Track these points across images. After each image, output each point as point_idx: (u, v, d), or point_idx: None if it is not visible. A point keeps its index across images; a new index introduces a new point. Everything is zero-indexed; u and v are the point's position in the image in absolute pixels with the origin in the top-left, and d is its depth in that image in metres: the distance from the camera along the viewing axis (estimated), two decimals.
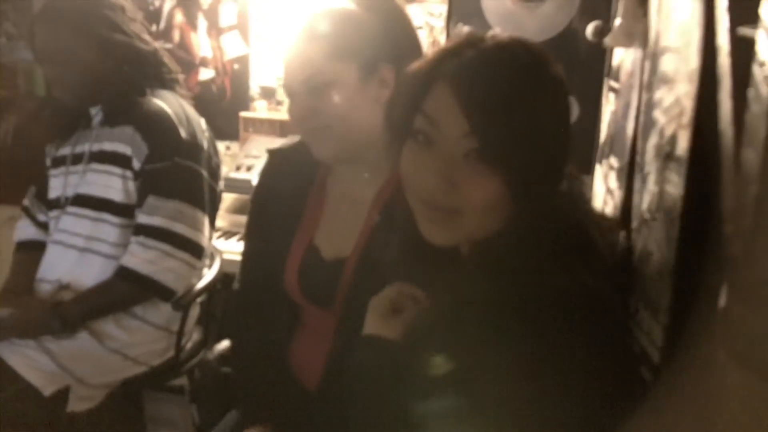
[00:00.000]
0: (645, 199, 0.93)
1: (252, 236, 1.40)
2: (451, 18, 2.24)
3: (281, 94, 2.49)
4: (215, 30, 2.56)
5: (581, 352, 0.78)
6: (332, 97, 1.20)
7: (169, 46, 2.52)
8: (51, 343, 1.61)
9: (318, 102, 1.20)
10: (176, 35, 2.60)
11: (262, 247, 1.37)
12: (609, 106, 1.35)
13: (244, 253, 1.41)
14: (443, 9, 2.29)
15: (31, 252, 1.84)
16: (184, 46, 2.59)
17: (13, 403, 1.55)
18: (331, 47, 1.19)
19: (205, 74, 2.59)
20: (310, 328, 1.34)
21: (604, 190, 1.27)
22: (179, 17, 2.59)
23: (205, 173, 1.74)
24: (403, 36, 1.26)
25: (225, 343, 1.56)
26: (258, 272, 1.37)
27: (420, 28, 2.24)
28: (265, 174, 1.41)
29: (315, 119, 1.21)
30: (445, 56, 0.88)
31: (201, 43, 2.58)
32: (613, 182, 1.17)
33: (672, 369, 0.80)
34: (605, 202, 1.25)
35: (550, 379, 0.78)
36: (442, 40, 2.27)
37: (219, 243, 2.16)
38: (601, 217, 1.07)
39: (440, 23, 2.31)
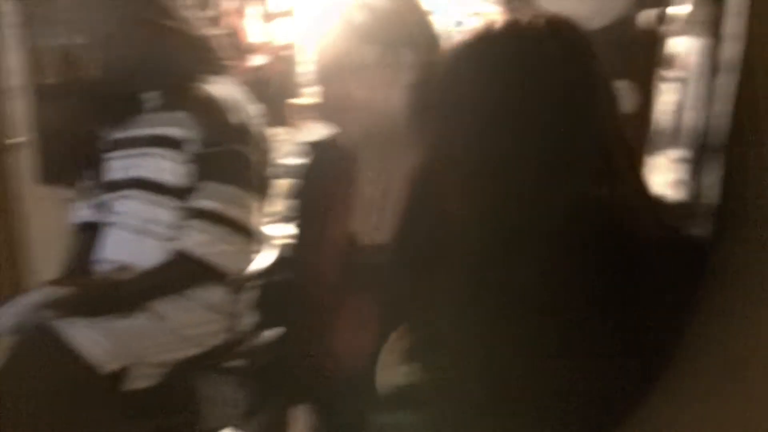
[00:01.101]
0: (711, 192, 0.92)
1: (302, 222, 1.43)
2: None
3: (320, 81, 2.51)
4: (266, 16, 2.59)
5: None
6: (359, 81, 1.24)
7: (219, 32, 2.56)
8: (109, 322, 1.66)
9: (345, 86, 1.24)
10: (226, 21, 2.63)
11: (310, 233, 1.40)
12: (665, 95, 1.34)
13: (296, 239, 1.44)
14: None
15: (88, 233, 1.90)
16: (233, 32, 2.63)
17: (71, 380, 1.60)
18: (359, 32, 1.23)
19: (255, 60, 2.62)
20: (350, 315, 1.36)
21: (663, 182, 1.26)
22: (229, 3, 2.63)
23: (255, 158, 1.78)
24: (419, 21, 1.30)
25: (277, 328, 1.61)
26: (306, 258, 1.40)
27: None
28: (304, 166, 1.44)
29: (344, 102, 1.24)
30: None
31: (251, 29, 2.61)
32: (676, 174, 1.16)
33: None
34: (664, 195, 1.25)
35: None
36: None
37: (273, 228, 2.19)
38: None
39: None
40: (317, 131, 2.30)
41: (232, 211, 1.71)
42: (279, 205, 2.31)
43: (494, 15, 0.93)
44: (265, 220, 1.83)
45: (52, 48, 3.29)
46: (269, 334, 1.70)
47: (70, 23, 3.26)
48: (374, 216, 1.34)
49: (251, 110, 1.81)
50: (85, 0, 1.95)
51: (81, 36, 3.25)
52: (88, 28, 1.81)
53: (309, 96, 2.52)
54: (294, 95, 2.54)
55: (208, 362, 1.84)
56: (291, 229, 1.46)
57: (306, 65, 2.53)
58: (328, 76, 1.27)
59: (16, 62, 3.23)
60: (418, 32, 1.29)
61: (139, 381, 1.68)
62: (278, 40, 2.59)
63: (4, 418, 1.65)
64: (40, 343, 1.63)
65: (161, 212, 1.75)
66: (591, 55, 0.87)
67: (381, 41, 1.23)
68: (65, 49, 3.29)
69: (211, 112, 1.74)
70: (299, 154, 2.21)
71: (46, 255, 3.34)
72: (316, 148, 1.45)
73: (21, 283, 3.45)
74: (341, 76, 1.25)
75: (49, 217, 3.29)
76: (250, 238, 1.75)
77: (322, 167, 1.40)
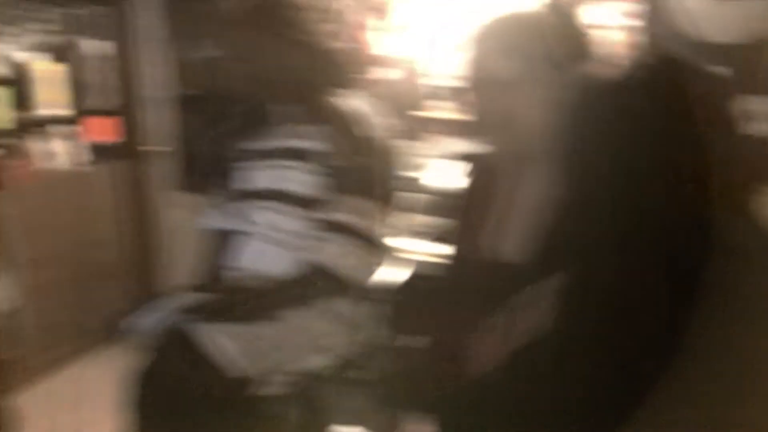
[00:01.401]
0: None
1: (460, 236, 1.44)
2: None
3: (456, 94, 2.50)
4: (389, 29, 2.62)
5: None
6: (509, 96, 1.22)
7: (344, 45, 2.61)
8: (242, 328, 1.72)
9: (495, 101, 1.23)
10: (350, 34, 2.67)
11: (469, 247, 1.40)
12: None
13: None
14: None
15: (222, 241, 1.97)
16: (358, 45, 2.67)
17: (204, 383, 1.68)
18: (512, 47, 1.22)
19: (380, 73, 2.66)
20: (485, 329, 1.36)
21: None
22: (353, 16, 2.67)
23: (383, 171, 1.80)
24: (575, 38, 1.27)
25: (404, 339, 1.64)
26: (462, 273, 1.41)
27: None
28: (461, 179, 1.44)
29: (493, 117, 1.24)
30: None
31: (375, 42, 2.65)
32: None
33: None
34: None
35: None
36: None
37: (397, 240, 2.20)
38: None
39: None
40: (444, 145, 2.31)
41: (362, 224, 1.74)
42: (406, 218, 2.34)
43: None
44: (390, 232, 1.86)
45: (194, 61, 3.48)
46: (393, 345, 1.74)
47: (209, 38, 3.43)
48: (510, 231, 1.33)
49: (379, 123, 1.84)
50: (225, 15, 2.04)
51: (220, 50, 3.43)
52: (227, 43, 1.88)
53: (433, 109, 2.55)
54: (418, 108, 2.58)
55: (333, 372, 1.87)
56: (422, 243, 1.48)
57: (431, 78, 2.57)
58: (473, 89, 1.27)
59: (161, 74, 3.44)
60: (575, 50, 1.27)
61: (269, 388, 1.75)
62: (402, 53, 2.61)
63: (140, 417, 1.76)
64: (176, 345, 1.72)
65: (294, 223, 1.80)
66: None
67: (534, 57, 1.22)
68: (206, 62, 3.47)
69: (341, 125, 1.78)
70: (433, 168, 2.25)
71: (181, 260, 3.53)
72: (462, 161, 1.46)
73: (156, 286, 3.67)
74: (488, 90, 1.25)
75: (185, 223, 3.47)
76: (377, 250, 1.78)
77: (465, 181, 1.41)
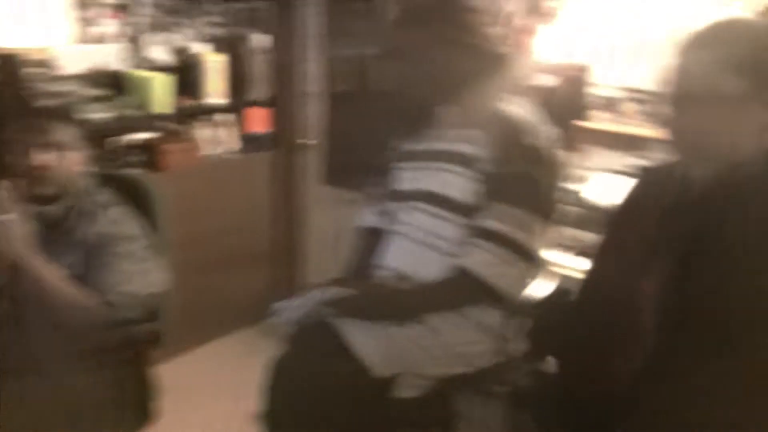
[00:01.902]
0: None
1: (606, 253, 1.36)
2: None
3: (624, 105, 2.38)
4: (557, 34, 2.53)
5: None
6: (720, 114, 1.11)
7: (511, 50, 2.54)
8: (388, 328, 1.71)
9: (703, 118, 1.12)
10: (518, 39, 2.61)
11: (613, 265, 1.32)
12: None
13: (593, 270, 1.37)
14: None
15: (372, 239, 1.98)
16: (524, 50, 2.60)
17: (343, 378, 1.67)
18: (727, 59, 1.10)
19: (544, 80, 2.57)
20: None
21: None
22: (520, 20, 2.60)
23: (548, 183, 1.72)
24: None
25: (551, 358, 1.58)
26: (604, 291, 1.33)
27: None
28: (635, 192, 1.35)
29: (698, 136, 1.13)
30: None
31: (540, 48, 2.57)
32: None
33: None
34: None
35: None
36: None
37: (554, 255, 2.13)
38: None
39: None
40: (607, 158, 2.20)
41: (518, 235, 1.67)
42: (565, 232, 2.25)
43: None
44: (548, 246, 1.78)
45: (347, 58, 3.52)
46: (537, 362, 1.67)
47: (365, 35, 3.47)
48: (656, 267, 1.26)
49: (545, 132, 1.76)
50: (387, 15, 2.03)
51: (371, 47, 3.47)
52: (390, 42, 1.86)
53: (598, 120, 2.44)
54: (582, 118, 2.47)
55: (472, 382, 1.84)
56: (568, 257, 1.40)
57: (597, 87, 2.46)
58: (677, 103, 1.16)
59: (315, 70, 3.50)
60: None
61: (406, 390, 1.72)
62: (568, 60, 2.51)
63: (273, 403, 1.78)
64: (319, 338, 1.73)
65: (445, 227, 1.77)
66: None
67: (751, 72, 1.10)
68: (359, 59, 3.51)
69: (505, 131, 1.72)
70: (595, 181, 2.14)
71: (326, 253, 3.59)
72: (651, 174, 1.36)
73: (300, 278, 3.74)
74: (699, 105, 1.13)
75: (330, 217, 3.53)
76: (532, 263, 1.71)
77: (647, 197, 1.31)
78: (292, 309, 1.82)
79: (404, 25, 1.83)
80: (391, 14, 2.69)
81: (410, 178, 1.90)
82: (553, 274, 1.87)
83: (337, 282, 1.88)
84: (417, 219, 1.83)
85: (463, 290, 1.71)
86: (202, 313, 3.31)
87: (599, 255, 1.40)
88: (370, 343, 1.68)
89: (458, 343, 1.73)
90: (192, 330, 3.17)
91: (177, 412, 2.64)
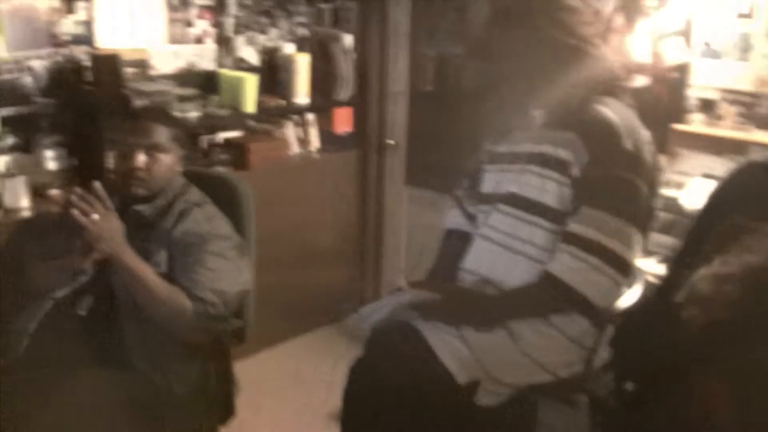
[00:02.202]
0: None
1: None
2: None
3: (723, 107, 2.28)
4: (656, 35, 2.44)
5: None
6: None
7: (608, 50, 2.47)
8: (470, 333, 1.68)
9: None
10: (611, 38, 2.53)
11: None
12: None
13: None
14: None
15: (458, 241, 1.95)
16: (618, 50, 2.51)
17: (427, 383, 1.65)
18: None
19: (639, 81, 2.48)
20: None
21: None
22: (616, 19, 2.52)
23: (644, 188, 1.66)
24: None
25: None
26: None
27: None
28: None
29: None
30: None
31: (637, 48, 2.48)
32: None
33: None
34: None
35: None
36: None
37: (648, 263, 2.05)
38: None
39: None
40: (705, 163, 2.11)
41: (611, 242, 1.61)
42: (659, 239, 2.17)
43: None
44: (642, 254, 1.71)
45: (432, 57, 3.51)
46: (624, 374, 1.58)
47: (451, 34, 3.44)
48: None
49: (643, 136, 1.70)
50: (475, 13, 1.99)
51: (455, 46, 3.44)
52: (476, 40, 1.83)
53: (695, 122, 2.35)
54: (679, 120, 2.38)
55: (554, 391, 1.79)
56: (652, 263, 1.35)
57: (695, 89, 2.37)
58: None
59: (400, 69, 3.50)
60: None
61: (486, 397, 1.69)
62: (667, 61, 2.42)
63: (356, 406, 1.78)
64: (402, 341, 1.71)
65: (533, 232, 1.73)
66: None
67: None
68: (444, 59, 3.48)
69: (601, 135, 1.66)
70: (692, 187, 2.05)
71: (407, 254, 3.59)
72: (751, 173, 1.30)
73: (382, 278, 3.75)
74: None
75: (412, 217, 3.52)
76: (625, 272, 1.64)
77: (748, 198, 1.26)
78: (374, 312, 1.81)
79: (496, 24, 1.79)
80: (480, 12, 2.66)
81: (497, 180, 1.87)
82: (646, 283, 1.79)
83: (420, 285, 1.86)
84: (503, 222, 1.79)
85: (549, 297, 1.67)
86: (284, 311, 3.35)
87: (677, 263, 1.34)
88: (453, 348, 1.66)
89: (542, 351, 1.69)
90: (273, 327, 3.23)
91: (256, 408, 2.70)
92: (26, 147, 2.68)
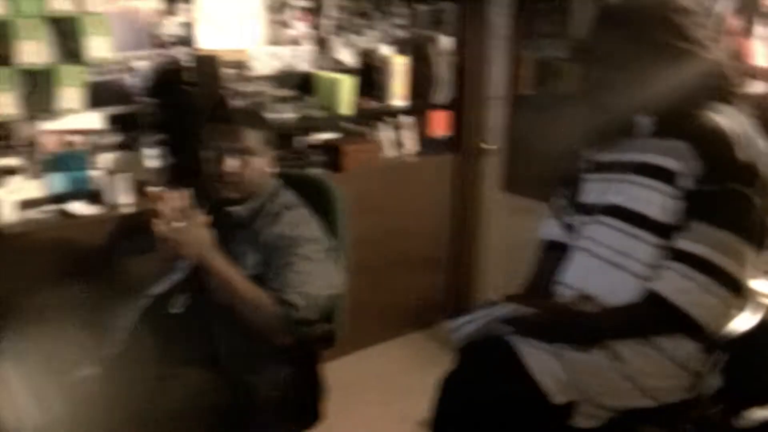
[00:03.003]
0: None
1: None
2: None
3: None
4: None
5: None
6: None
7: (724, 54, 2.34)
8: (568, 352, 1.61)
9: None
10: (727, 41, 2.39)
11: None
12: None
13: None
14: None
15: (555, 253, 1.88)
16: (734, 54, 2.38)
17: (519, 401, 1.59)
18: None
19: (757, 87, 2.34)
20: None
21: None
22: (732, 21, 2.38)
23: (760, 203, 1.54)
24: None
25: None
26: None
27: None
28: None
29: None
30: None
31: (755, 52, 2.34)
32: None
33: None
34: None
35: None
36: None
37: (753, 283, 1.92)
38: None
39: None
40: None
41: (723, 260, 1.51)
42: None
43: None
44: (756, 274, 1.60)
45: (533, 60, 3.42)
46: (736, 405, 1.55)
47: (554, 37, 3.35)
48: None
49: (760, 146, 1.58)
50: (586, 15, 1.92)
51: (559, 50, 3.35)
52: (591, 45, 1.74)
53: None
54: None
55: (656, 417, 1.68)
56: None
57: None
58: None
59: (499, 72, 3.43)
60: None
61: (583, 420, 1.61)
62: None
63: (445, 418, 1.73)
64: (494, 355, 1.66)
65: (637, 246, 1.64)
66: None
67: None
68: (546, 62, 3.39)
69: (714, 145, 1.56)
70: None
71: (501, 263, 3.52)
72: None
73: (475, 286, 3.70)
74: None
75: (508, 225, 3.45)
76: (737, 293, 1.54)
77: None
78: (467, 325, 1.76)
79: (602, 26, 1.71)
80: (585, 14, 2.58)
81: (600, 190, 1.78)
82: (761, 306, 1.67)
83: (515, 297, 1.81)
84: (605, 235, 1.71)
85: (654, 317, 1.58)
86: (374, 315, 3.36)
87: None
88: (549, 367, 1.59)
89: (645, 374, 1.60)
90: (363, 331, 3.21)
91: (344, 412, 2.70)
92: (129, 145, 2.77)
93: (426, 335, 3.57)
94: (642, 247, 1.63)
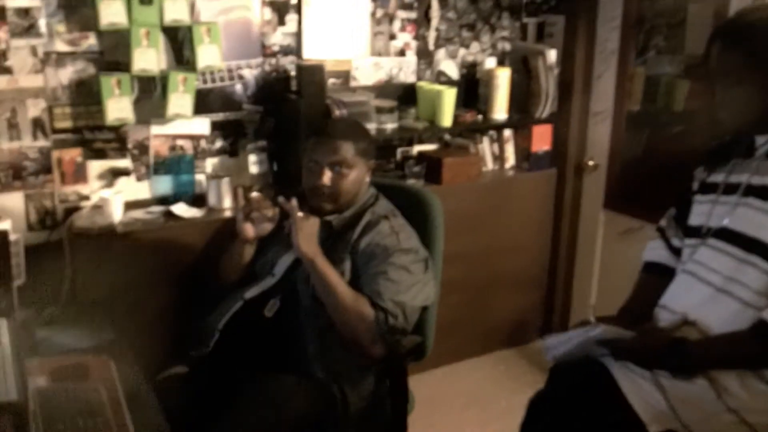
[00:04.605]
0: None
1: None
2: None
3: None
4: None
5: None
6: None
7: None
8: (666, 379, 1.55)
9: None
10: None
11: None
12: None
13: None
14: None
15: (658, 276, 1.82)
16: None
17: (612, 427, 1.54)
18: None
19: None
20: None
21: None
22: None
23: None
24: None
25: None
26: None
27: None
28: None
29: None
30: None
31: None
32: None
33: None
34: None
35: None
36: None
37: None
38: None
39: None
40: None
41: None
42: None
43: None
44: None
45: (640, 75, 3.33)
46: None
47: (664, 51, 3.25)
48: None
49: None
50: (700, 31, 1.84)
51: (673, 65, 3.24)
52: (710, 62, 1.66)
53: None
54: None
55: None
56: None
57: None
58: None
59: (605, 87, 3.34)
60: None
61: None
62: None
63: None
64: (588, 379, 1.63)
65: (747, 271, 1.56)
66: None
67: None
68: (654, 78, 3.29)
69: None
70: None
71: (602, 283, 3.42)
72: None
73: (572, 306, 3.61)
74: None
75: (609, 244, 3.35)
76: None
77: None
78: (562, 343, 1.73)
79: (722, 43, 1.63)
80: (699, 30, 2.48)
81: (710, 212, 1.70)
82: None
83: (613, 319, 1.75)
84: (714, 259, 1.64)
85: (759, 348, 1.50)
86: (465, 330, 3.33)
87: None
88: (645, 393, 1.54)
89: (751, 409, 1.51)
90: (453, 345, 3.19)
91: (430, 426, 2.69)
92: (232, 151, 2.85)
93: (517, 352, 3.51)
94: (753, 273, 1.55)
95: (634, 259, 1.95)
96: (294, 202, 1.99)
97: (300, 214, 1.97)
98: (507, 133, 3.40)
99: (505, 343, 3.54)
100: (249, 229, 2.13)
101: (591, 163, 3.40)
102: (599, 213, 3.41)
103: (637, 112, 3.35)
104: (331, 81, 2.99)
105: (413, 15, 3.18)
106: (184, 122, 2.72)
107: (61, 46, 2.47)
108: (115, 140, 2.63)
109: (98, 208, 2.57)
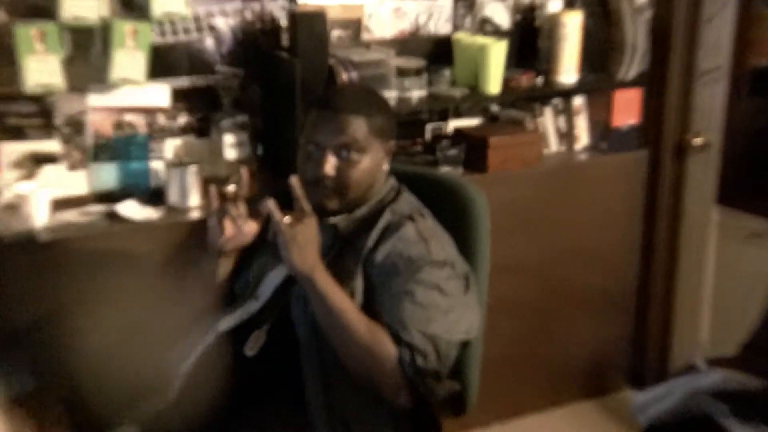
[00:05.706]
0: None
1: None
2: None
3: None
4: None
5: None
6: None
7: None
8: None
9: None
10: None
11: None
12: None
13: None
14: None
15: None
16: None
17: None
18: None
19: None
20: None
21: None
22: None
23: None
24: None
25: None
26: None
27: None
28: None
29: None
30: None
31: None
32: None
33: None
34: None
35: None
36: None
37: None
38: None
39: None
40: None
41: None
42: None
43: None
44: None
45: None
46: None
47: None
48: None
49: None
50: None
51: None
52: None
53: None
54: None
55: None
56: None
57: None
58: None
59: (721, 35, 3.30)
60: None
61: None
62: None
63: None
64: None
65: None
66: None
67: None
68: None
69: None
70: None
71: (715, 306, 3.38)
72: None
73: (674, 346, 3.57)
74: None
75: (724, 254, 3.31)
76: None
77: None
78: (658, 399, 1.73)
79: None
80: None
81: None
82: None
83: (734, 361, 1.78)
84: None
85: None
86: (521, 374, 3.34)
87: None
88: None
89: None
90: (506, 395, 3.21)
91: None
92: (201, 129, 2.85)
93: (597, 406, 3.53)
94: None
95: (762, 274, 1.93)
96: (271, 202, 1.93)
97: (286, 219, 1.92)
98: (578, 101, 3.40)
99: (579, 393, 3.55)
100: (225, 237, 2.09)
101: (698, 141, 3.38)
102: (711, 211, 3.42)
103: (766, 69, 3.31)
104: (336, 34, 2.98)
105: None
106: (135, 90, 2.72)
107: None
108: (38, 114, 2.63)
109: (13, 207, 2.55)
